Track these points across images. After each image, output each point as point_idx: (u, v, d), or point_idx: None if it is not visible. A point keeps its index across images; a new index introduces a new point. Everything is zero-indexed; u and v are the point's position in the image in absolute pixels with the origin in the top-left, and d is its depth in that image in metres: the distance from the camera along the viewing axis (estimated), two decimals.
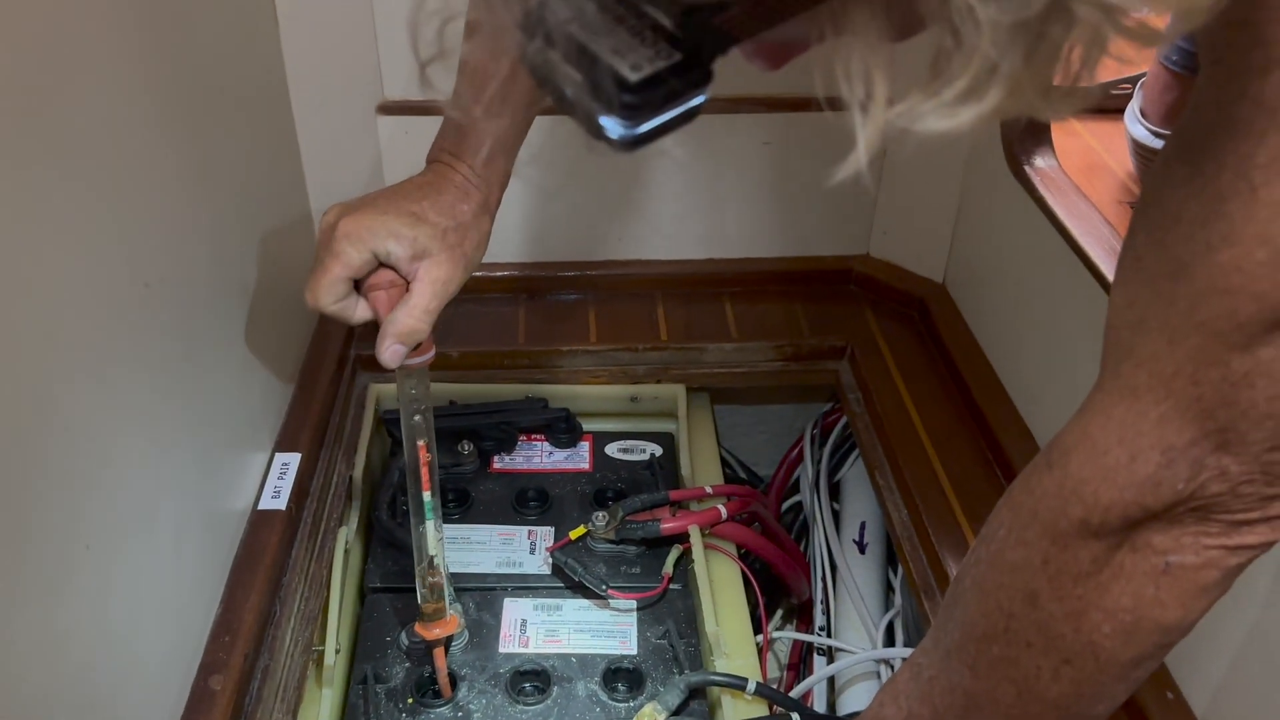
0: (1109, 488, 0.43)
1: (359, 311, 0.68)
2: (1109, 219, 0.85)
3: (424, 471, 0.68)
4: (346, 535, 0.86)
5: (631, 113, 0.31)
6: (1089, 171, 0.98)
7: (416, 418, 0.68)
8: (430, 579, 0.72)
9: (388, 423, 0.99)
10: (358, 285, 0.68)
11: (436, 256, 0.67)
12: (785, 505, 1.17)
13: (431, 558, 0.71)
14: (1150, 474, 0.42)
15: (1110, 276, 0.78)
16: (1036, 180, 0.88)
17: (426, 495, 0.69)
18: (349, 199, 0.69)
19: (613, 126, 0.31)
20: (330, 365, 0.96)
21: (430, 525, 0.70)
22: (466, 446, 0.97)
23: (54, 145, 0.52)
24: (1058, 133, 0.92)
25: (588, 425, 1.02)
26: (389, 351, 0.66)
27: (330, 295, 0.66)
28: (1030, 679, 0.48)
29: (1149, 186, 0.42)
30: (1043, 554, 0.46)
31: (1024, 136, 0.90)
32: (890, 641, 0.95)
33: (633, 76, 0.30)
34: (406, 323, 0.66)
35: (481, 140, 0.69)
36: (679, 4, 0.30)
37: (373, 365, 1.02)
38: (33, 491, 0.49)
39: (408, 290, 0.67)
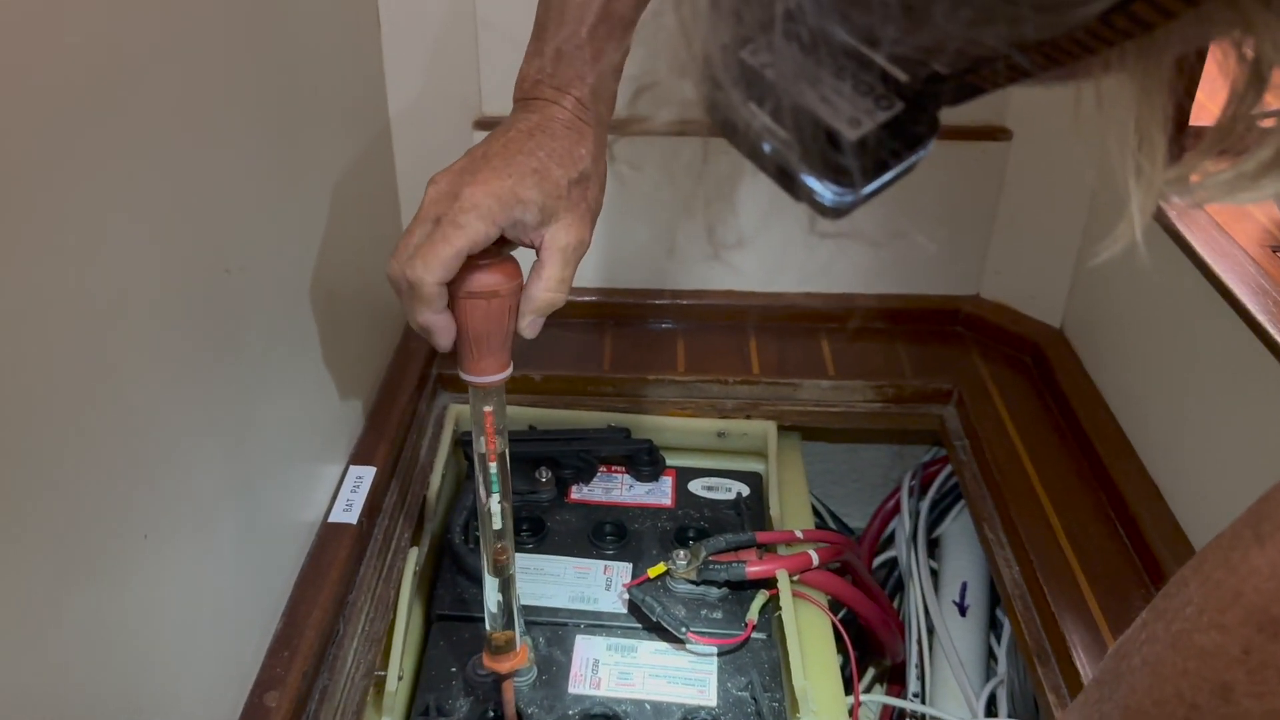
0: None
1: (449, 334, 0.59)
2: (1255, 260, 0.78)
3: (490, 448, 0.63)
4: (418, 557, 0.82)
5: (849, 176, 0.26)
6: (1229, 215, 0.91)
7: (481, 439, 0.63)
8: (499, 559, 0.66)
9: (465, 445, 0.95)
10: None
11: (563, 219, 0.59)
12: (877, 561, 1.10)
13: (498, 530, 0.65)
14: None
15: (1261, 318, 0.71)
16: (1174, 216, 0.81)
17: (493, 466, 0.63)
18: (450, 165, 0.59)
19: (825, 191, 0.26)
20: (411, 382, 0.94)
21: (496, 499, 0.64)
22: (544, 474, 0.93)
23: (139, 116, 0.50)
24: None
25: (671, 460, 0.97)
26: (531, 326, 0.61)
27: (444, 270, 0.56)
28: None
29: None
30: (1244, 642, 0.39)
31: None
32: (992, 713, 0.87)
33: (851, 135, 0.25)
34: (544, 297, 0.60)
35: (586, 66, 0.61)
36: (926, 67, 0.25)
37: (454, 385, 1.00)
38: (92, 467, 0.46)
39: (535, 272, 0.59)
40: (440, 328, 0.58)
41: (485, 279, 0.58)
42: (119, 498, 0.49)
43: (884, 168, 0.26)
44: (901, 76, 0.25)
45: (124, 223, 0.49)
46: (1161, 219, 0.82)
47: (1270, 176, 0.25)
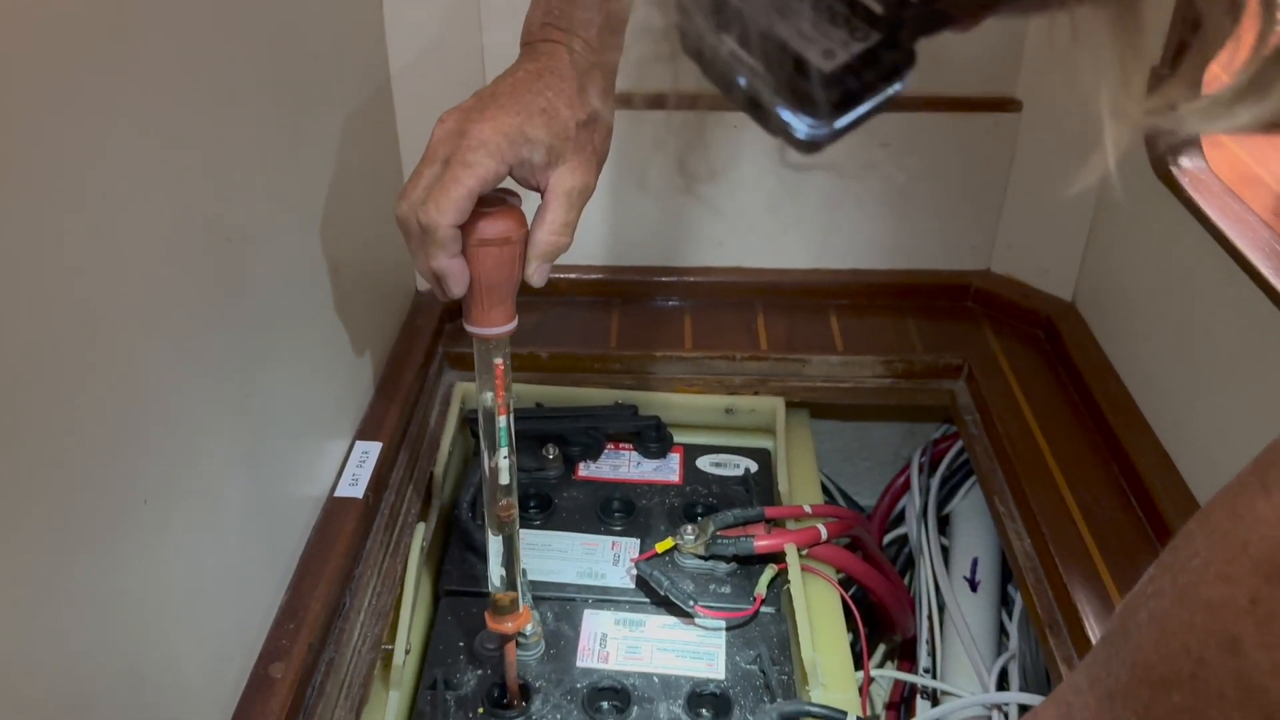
0: None
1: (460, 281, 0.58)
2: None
3: (500, 401, 0.62)
4: (425, 532, 0.82)
5: (823, 109, 0.26)
6: (1239, 184, 0.90)
7: (488, 393, 0.62)
8: (504, 516, 0.65)
9: (472, 423, 0.95)
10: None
11: (570, 162, 0.59)
12: (888, 538, 1.09)
13: (506, 485, 0.64)
14: None
15: (1277, 282, 0.70)
16: (1185, 183, 0.80)
17: (502, 420, 0.63)
18: (458, 104, 0.59)
19: (799, 124, 0.26)
20: (418, 358, 0.93)
21: (504, 453, 0.64)
22: (552, 451, 0.92)
23: (134, 80, 0.50)
24: (1204, 141, 0.84)
25: (679, 436, 0.97)
26: (538, 272, 0.60)
27: (457, 212, 0.55)
28: None
29: None
30: (1251, 592, 0.38)
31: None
32: (1003, 687, 0.86)
33: (826, 65, 0.25)
34: (549, 240, 0.59)
35: (593, 8, 0.60)
36: None
37: (461, 363, 0.99)
38: (90, 433, 0.46)
39: (540, 215, 0.59)
40: (454, 273, 0.57)
41: (497, 225, 0.57)
42: (118, 463, 0.48)
43: (859, 100, 0.26)
44: (876, 8, 0.24)
45: (121, 189, 0.48)
46: (1175, 188, 0.80)
47: (1245, 104, 0.24)
